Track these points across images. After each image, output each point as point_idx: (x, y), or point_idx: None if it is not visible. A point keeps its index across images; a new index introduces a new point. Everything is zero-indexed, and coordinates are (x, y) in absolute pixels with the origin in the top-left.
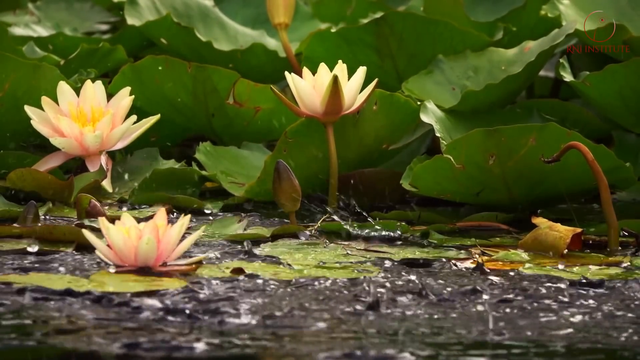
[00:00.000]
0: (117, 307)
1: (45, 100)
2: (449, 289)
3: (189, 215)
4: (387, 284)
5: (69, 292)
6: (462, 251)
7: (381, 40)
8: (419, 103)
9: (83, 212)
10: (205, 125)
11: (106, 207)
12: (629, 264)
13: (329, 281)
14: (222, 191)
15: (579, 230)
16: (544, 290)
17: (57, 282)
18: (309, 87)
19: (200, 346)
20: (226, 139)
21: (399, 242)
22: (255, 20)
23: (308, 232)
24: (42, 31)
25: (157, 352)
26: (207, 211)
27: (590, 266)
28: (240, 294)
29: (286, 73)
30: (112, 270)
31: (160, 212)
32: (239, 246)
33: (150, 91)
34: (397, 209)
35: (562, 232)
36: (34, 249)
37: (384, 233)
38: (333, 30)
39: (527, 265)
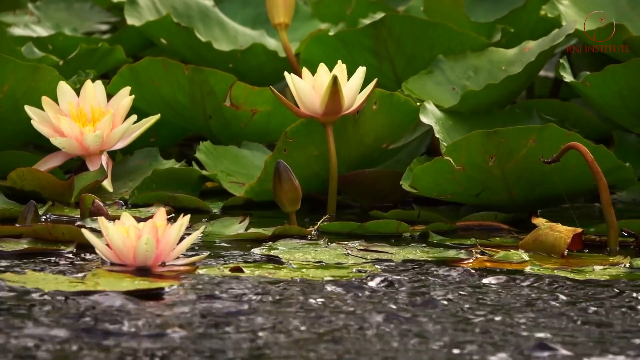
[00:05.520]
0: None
1: (45, 100)
2: None
3: (188, 216)
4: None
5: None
6: (462, 251)
7: (379, 43)
8: (418, 103)
9: (87, 211)
10: (203, 126)
11: (106, 207)
12: (629, 264)
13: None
14: (222, 191)
15: (579, 230)
16: None
17: (52, 281)
18: (308, 88)
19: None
20: (224, 141)
21: (399, 242)
22: (255, 20)
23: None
24: (41, 31)
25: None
26: (207, 211)
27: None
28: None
29: (286, 73)
30: (109, 270)
31: (160, 212)
32: (240, 246)
33: (149, 92)
34: (398, 208)
35: (563, 232)
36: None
37: (384, 233)
38: (331, 33)
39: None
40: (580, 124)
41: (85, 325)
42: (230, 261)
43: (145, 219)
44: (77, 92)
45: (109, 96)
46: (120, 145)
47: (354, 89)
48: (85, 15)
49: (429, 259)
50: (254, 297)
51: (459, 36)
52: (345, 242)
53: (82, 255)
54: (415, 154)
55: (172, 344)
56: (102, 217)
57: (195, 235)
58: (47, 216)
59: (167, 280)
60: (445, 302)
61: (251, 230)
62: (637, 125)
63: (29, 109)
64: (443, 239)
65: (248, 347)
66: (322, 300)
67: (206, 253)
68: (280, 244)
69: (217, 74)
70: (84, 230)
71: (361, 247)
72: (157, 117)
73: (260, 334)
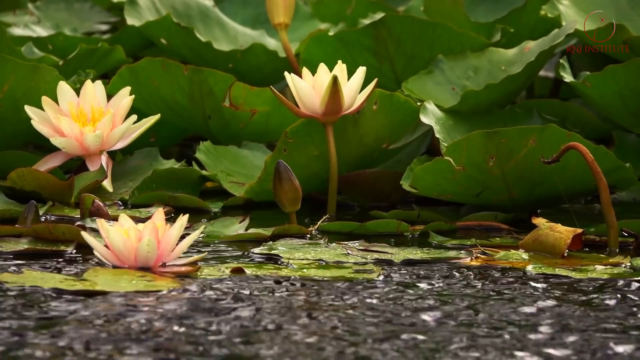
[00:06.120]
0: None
1: (45, 100)
2: None
3: (186, 215)
4: None
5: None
6: (463, 251)
7: (379, 43)
8: (418, 103)
9: (86, 212)
10: (202, 126)
11: (106, 207)
12: (629, 264)
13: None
14: (222, 191)
15: (579, 230)
16: None
17: (50, 281)
18: (308, 88)
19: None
20: (223, 141)
21: (399, 242)
22: (255, 20)
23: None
24: (41, 31)
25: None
26: (207, 211)
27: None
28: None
29: (286, 73)
30: (109, 270)
31: (158, 213)
32: (240, 246)
33: (148, 93)
34: (398, 208)
35: (563, 232)
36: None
37: (384, 233)
38: (331, 33)
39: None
40: (580, 124)
41: (84, 326)
42: (231, 261)
43: (145, 220)
44: (77, 92)
45: (109, 96)
46: (120, 145)
47: (354, 89)
48: (85, 15)
49: (429, 259)
50: (255, 298)
51: (459, 36)
52: (346, 242)
53: (83, 254)
54: (416, 154)
55: (172, 345)
56: (102, 220)
57: (195, 235)
58: (47, 216)
59: (167, 281)
60: (446, 302)
61: (251, 230)
62: (637, 125)
63: (29, 109)
64: (443, 239)
65: (249, 347)
66: (323, 300)
67: (205, 252)
68: (280, 243)
69: (216, 74)
70: (83, 233)
71: (361, 247)
72: (157, 117)
73: (262, 334)
